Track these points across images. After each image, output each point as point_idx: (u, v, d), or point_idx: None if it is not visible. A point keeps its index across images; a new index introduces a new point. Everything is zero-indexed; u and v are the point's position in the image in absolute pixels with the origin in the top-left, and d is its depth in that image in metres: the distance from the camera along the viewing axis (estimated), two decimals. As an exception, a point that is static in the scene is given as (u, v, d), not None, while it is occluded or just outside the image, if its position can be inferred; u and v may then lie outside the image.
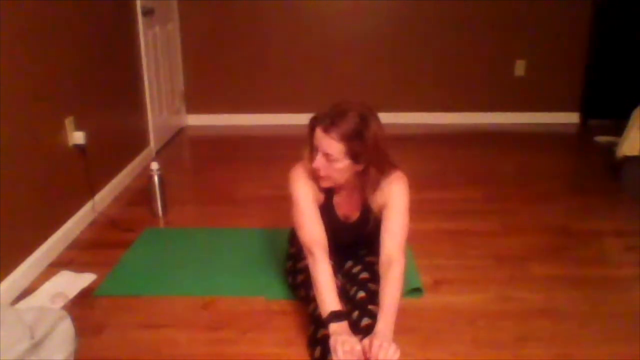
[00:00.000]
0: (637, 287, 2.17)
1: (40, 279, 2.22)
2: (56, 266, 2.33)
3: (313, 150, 1.71)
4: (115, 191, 3.10)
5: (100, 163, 2.90)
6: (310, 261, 1.72)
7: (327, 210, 1.83)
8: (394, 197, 1.76)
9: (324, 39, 4.43)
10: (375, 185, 1.75)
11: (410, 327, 1.88)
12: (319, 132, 1.66)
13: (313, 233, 1.75)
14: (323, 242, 1.73)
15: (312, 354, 1.70)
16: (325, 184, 1.77)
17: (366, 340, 1.53)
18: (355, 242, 1.98)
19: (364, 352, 1.50)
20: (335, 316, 1.60)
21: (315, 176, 1.75)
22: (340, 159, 1.66)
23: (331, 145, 1.64)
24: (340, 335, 1.53)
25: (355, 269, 1.93)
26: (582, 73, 4.45)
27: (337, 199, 1.86)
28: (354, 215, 1.88)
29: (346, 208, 1.87)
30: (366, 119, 1.66)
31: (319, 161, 1.69)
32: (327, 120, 1.65)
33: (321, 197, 1.83)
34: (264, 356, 1.78)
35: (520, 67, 4.48)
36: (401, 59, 4.47)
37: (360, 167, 1.71)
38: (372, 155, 1.68)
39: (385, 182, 1.76)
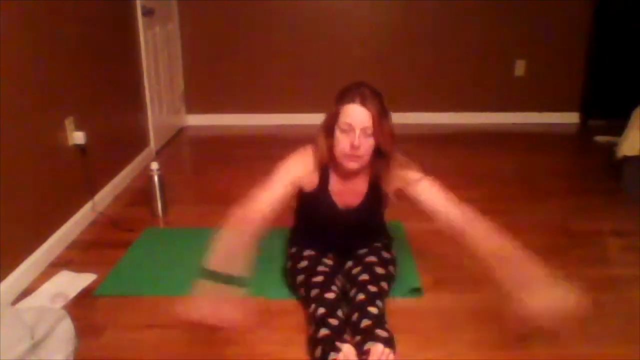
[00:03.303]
0: (637, 287, 2.17)
1: (40, 279, 2.22)
2: (56, 266, 2.32)
3: (344, 131, 1.69)
4: (115, 191, 3.10)
5: (100, 163, 2.90)
6: (230, 220, 1.63)
7: (320, 195, 1.83)
8: (415, 176, 1.78)
9: (324, 39, 4.43)
10: (386, 168, 1.78)
11: (410, 327, 1.87)
12: (355, 108, 1.67)
13: (259, 206, 1.70)
14: (258, 218, 1.67)
15: (312, 354, 1.69)
16: (356, 164, 1.74)
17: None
18: (350, 232, 1.97)
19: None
20: (209, 274, 1.52)
21: (348, 156, 1.71)
22: (371, 135, 1.68)
23: (369, 118, 1.66)
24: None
25: (355, 270, 1.93)
26: (582, 73, 4.45)
27: (336, 186, 1.85)
28: (354, 202, 1.89)
29: (346, 195, 1.88)
30: (382, 98, 1.74)
31: (360, 138, 1.67)
32: (357, 97, 1.67)
33: (315, 181, 1.84)
34: (264, 356, 1.78)
35: (520, 67, 4.48)
36: (401, 59, 4.47)
37: (373, 146, 1.73)
38: (388, 135, 1.72)
39: (394, 165, 1.78)
